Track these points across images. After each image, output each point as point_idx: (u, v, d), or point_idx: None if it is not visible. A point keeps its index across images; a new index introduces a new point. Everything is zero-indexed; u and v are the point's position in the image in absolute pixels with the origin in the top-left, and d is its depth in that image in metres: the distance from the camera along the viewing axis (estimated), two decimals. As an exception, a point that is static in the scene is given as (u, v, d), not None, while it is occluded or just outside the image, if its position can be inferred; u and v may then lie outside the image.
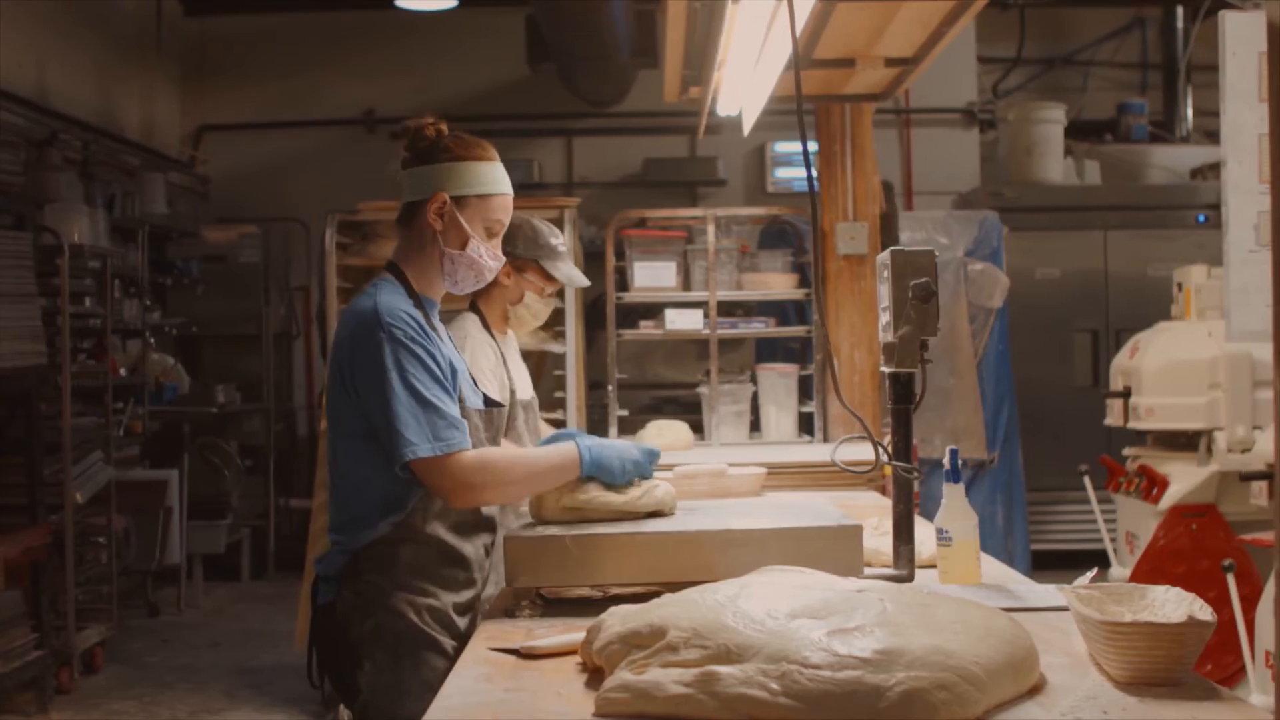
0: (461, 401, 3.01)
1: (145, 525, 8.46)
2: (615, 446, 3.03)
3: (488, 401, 3.24)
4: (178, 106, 11.17)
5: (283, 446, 10.86)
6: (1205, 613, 2.09)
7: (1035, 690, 2.09)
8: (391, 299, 2.97)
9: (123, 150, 9.65)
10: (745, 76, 4.67)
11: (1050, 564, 8.54)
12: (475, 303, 4.35)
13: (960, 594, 2.59)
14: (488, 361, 4.22)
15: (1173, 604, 2.19)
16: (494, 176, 3.11)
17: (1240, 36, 1.96)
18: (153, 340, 9.34)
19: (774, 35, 4.03)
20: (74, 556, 7.09)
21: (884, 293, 3.04)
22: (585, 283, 4.62)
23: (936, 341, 3.04)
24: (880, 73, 5.35)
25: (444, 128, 3.11)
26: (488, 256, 3.12)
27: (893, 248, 3.00)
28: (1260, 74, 1.91)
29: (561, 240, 4.47)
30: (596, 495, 2.99)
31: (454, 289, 3.15)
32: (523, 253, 4.32)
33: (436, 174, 3.06)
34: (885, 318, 3.04)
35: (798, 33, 3.98)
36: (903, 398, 3.03)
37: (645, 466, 3.05)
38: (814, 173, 6.50)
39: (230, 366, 10.56)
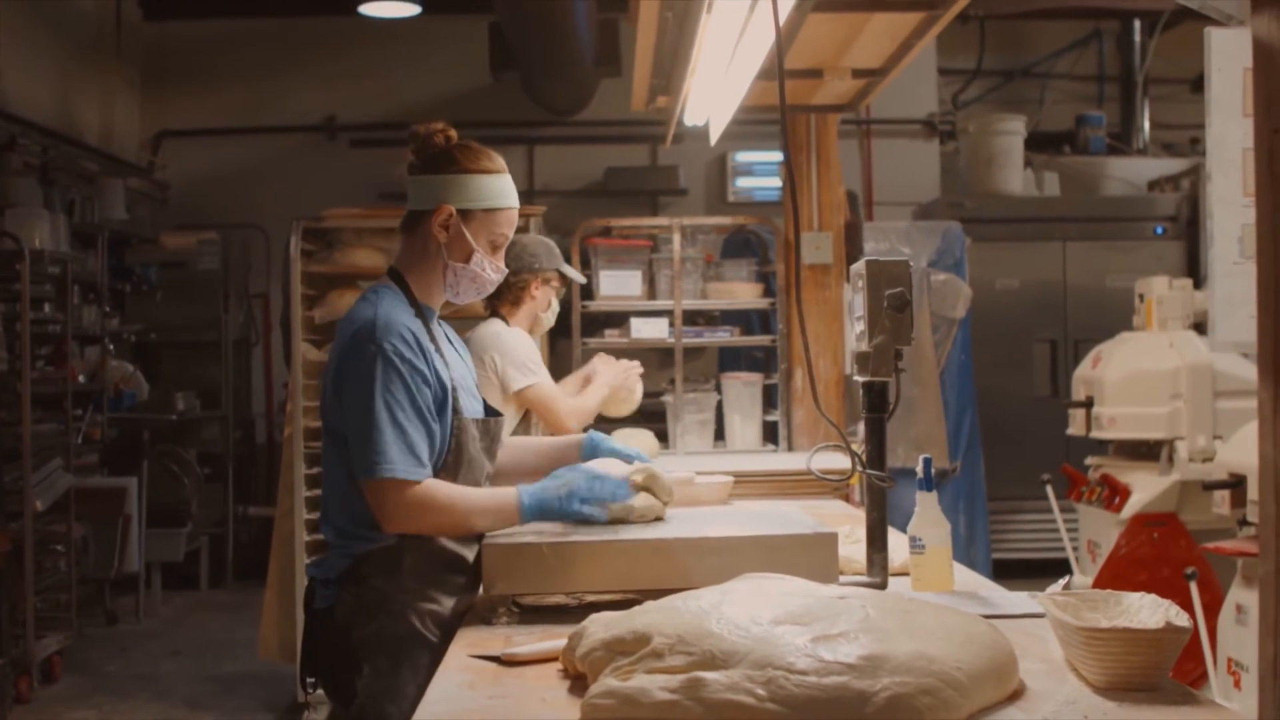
0: (459, 412, 3.01)
1: (104, 533, 8.39)
2: (557, 491, 2.96)
3: (488, 410, 3.23)
4: (137, 111, 11.10)
5: (241, 454, 10.79)
6: (1181, 619, 2.12)
7: (1015, 696, 2.10)
8: (392, 311, 2.95)
9: (82, 155, 9.59)
10: (714, 86, 4.70)
11: (1010, 573, 8.57)
12: (498, 311, 4.73)
13: (935, 601, 2.61)
14: (533, 351, 4.77)
15: (1148, 610, 2.21)
16: (501, 190, 3.09)
17: (1225, 52, 2.00)
18: (111, 347, 9.28)
19: (744, 45, 4.06)
20: (33, 564, 7.03)
21: (858, 302, 3.06)
22: (582, 279, 5.33)
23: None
24: (847, 84, 5.40)
25: (453, 134, 3.08)
26: (490, 270, 3.11)
27: (867, 257, 3.02)
28: (1244, 89, 1.94)
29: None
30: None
31: (454, 299, 3.14)
32: (546, 265, 4.80)
33: (443, 185, 3.04)
34: (859, 327, 3.06)
35: (771, 44, 4.02)
36: (877, 406, 3.06)
37: (606, 496, 2.99)
38: (782, 182, 6.54)
39: (189, 373, 10.47)
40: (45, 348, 7.90)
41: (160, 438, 9.62)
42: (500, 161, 3.12)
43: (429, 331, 3.04)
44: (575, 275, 5.03)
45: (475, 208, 3.05)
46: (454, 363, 3.10)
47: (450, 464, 3.00)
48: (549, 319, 5.02)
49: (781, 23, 3.70)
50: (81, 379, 8.45)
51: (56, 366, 7.84)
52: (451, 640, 2.91)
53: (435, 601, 2.97)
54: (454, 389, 3.01)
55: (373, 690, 2.90)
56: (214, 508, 10.23)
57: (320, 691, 3.12)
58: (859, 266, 3.04)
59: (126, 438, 9.18)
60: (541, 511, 2.95)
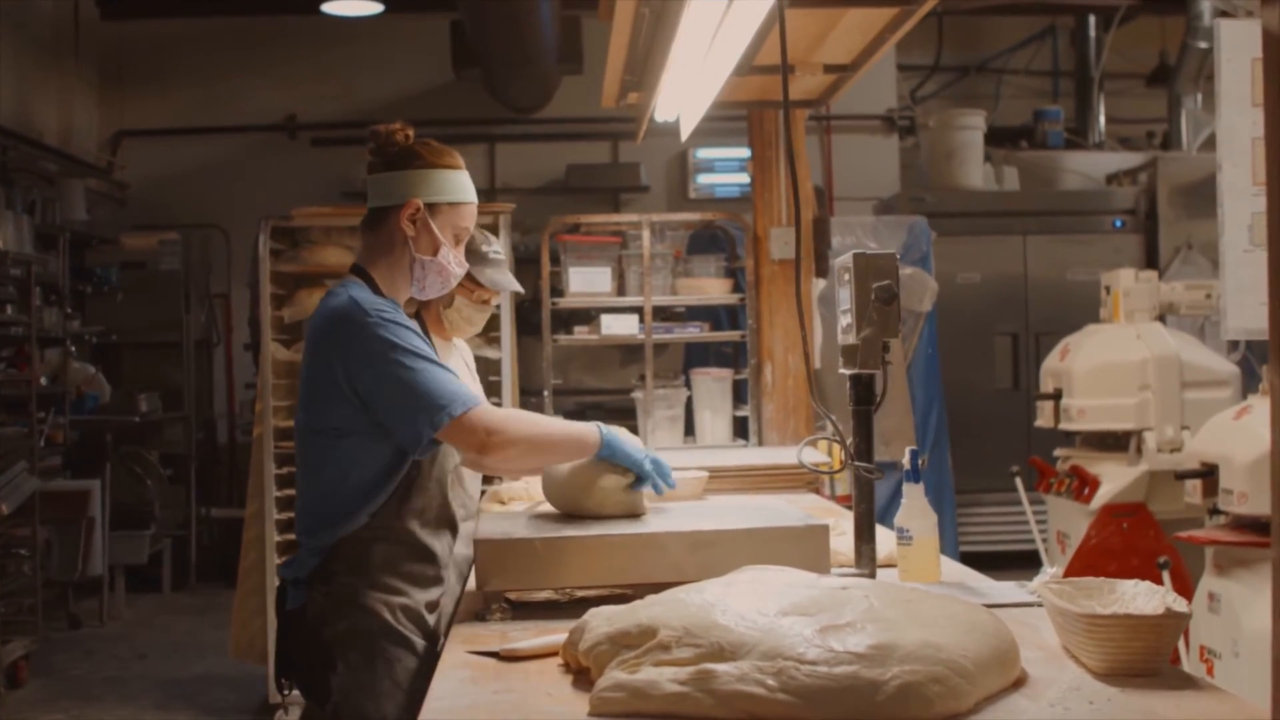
0: None
1: (67, 536, 8.32)
2: (631, 440, 3.17)
3: None
4: (95, 112, 11.00)
5: (204, 455, 10.73)
6: (1180, 604, 2.15)
7: (1019, 683, 2.13)
8: (364, 292, 3.00)
9: (41, 156, 9.49)
10: (689, 82, 4.70)
11: (976, 565, 8.55)
12: (419, 313, 4.30)
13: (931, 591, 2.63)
14: None
15: (1144, 597, 2.24)
16: (464, 185, 3.17)
17: (1234, 44, 2.03)
18: (73, 349, 9.20)
19: (719, 41, 4.06)
20: (-2, 568, 6.99)
21: (845, 296, 3.08)
22: (516, 288, 4.25)
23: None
24: (818, 79, 5.42)
25: (411, 133, 3.14)
26: (455, 264, 3.16)
27: (855, 251, 3.03)
28: (1253, 79, 1.98)
29: (496, 247, 4.19)
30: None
31: (420, 294, 3.18)
32: None
33: (410, 180, 3.09)
34: (846, 320, 3.08)
35: (745, 41, 4.03)
36: (864, 399, 3.07)
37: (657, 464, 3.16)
38: (751, 178, 6.55)
39: (150, 375, 10.39)
40: (7, 350, 7.83)
41: (123, 439, 9.55)
42: (460, 159, 3.20)
43: None
44: (493, 282, 4.04)
45: (441, 201, 3.11)
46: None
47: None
48: (460, 322, 4.11)
49: (766, 17, 3.73)
50: (43, 381, 8.38)
51: (20, 369, 7.77)
52: (429, 634, 2.95)
53: (406, 595, 2.98)
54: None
55: (348, 687, 2.90)
56: (177, 509, 10.15)
57: (296, 692, 3.12)
58: (845, 260, 3.05)
59: (89, 440, 9.09)
60: (613, 444, 3.09)
